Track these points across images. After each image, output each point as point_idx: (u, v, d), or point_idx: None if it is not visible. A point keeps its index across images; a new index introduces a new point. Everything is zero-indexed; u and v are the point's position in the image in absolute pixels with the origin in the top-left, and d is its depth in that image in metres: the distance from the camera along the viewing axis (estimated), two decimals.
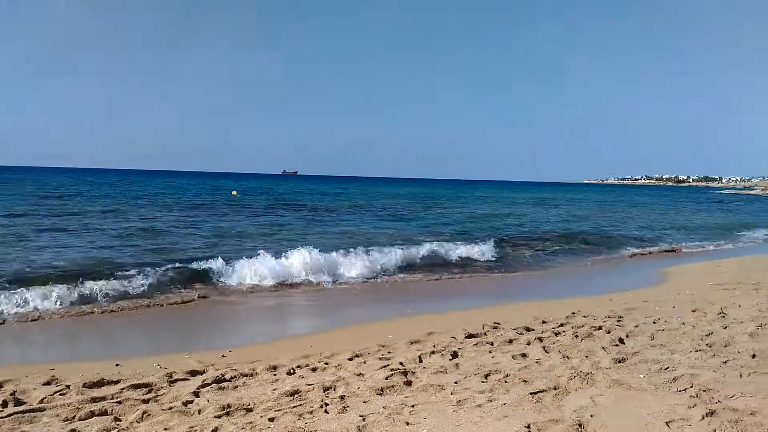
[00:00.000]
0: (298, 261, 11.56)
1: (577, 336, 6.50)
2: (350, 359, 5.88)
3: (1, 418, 4.26)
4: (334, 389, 4.84)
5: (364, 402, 4.47)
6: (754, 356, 5.31)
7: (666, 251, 18.26)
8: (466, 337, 6.75)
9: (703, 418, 3.73)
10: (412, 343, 6.60)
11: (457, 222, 26.01)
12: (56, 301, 8.56)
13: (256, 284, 10.66)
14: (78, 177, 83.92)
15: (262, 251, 11.81)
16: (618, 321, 7.39)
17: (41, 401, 4.67)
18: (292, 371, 5.53)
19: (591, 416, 3.92)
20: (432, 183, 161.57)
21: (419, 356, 5.86)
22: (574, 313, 8.15)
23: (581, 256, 16.54)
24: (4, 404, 4.60)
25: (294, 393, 4.74)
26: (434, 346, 6.34)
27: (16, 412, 4.37)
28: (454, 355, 5.90)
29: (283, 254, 11.83)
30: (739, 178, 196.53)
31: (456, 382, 4.90)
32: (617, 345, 6.02)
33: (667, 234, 23.27)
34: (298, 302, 9.84)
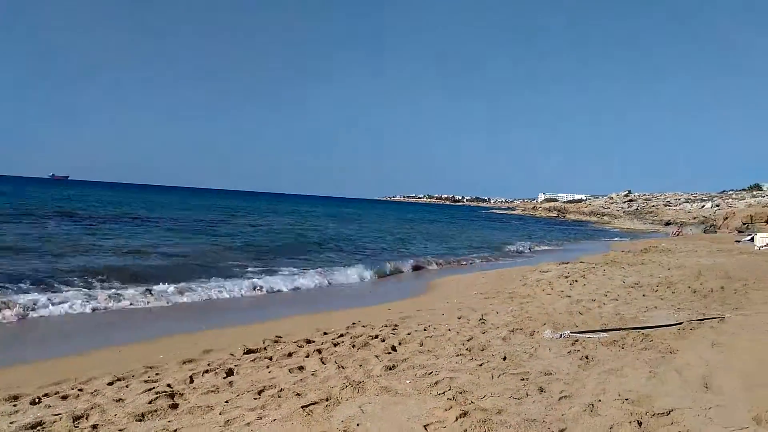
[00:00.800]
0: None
1: (354, 346, 6.67)
2: (110, 383, 5.32)
3: None
4: (87, 418, 4.33)
5: (120, 430, 4.06)
6: (504, 358, 5.89)
7: (450, 263, 19.81)
8: (244, 353, 6.53)
9: (456, 419, 4.01)
10: (185, 362, 6.21)
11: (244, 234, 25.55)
12: None
13: None
14: None
15: None
16: (393, 329, 7.75)
17: None
18: (37, 400, 4.83)
19: (357, 425, 4.00)
20: (226, 194, 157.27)
21: (191, 376, 5.51)
22: (354, 323, 8.38)
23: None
24: None
25: (36, 425, 4.14)
26: (209, 364, 6.02)
27: None
28: (230, 372, 5.66)
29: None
30: (504, 200, 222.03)
31: (227, 401, 4.69)
32: (390, 353, 6.29)
33: (454, 248, 25.34)
34: (53, 322, 8.72)
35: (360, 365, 5.74)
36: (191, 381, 5.38)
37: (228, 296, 11.34)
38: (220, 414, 4.35)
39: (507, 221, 65.73)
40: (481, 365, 5.59)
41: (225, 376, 5.53)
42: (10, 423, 4.26)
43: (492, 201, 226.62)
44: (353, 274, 15.10)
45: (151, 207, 46.54)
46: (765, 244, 21.47)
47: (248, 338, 7.29)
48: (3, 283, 10.22)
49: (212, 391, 5.01)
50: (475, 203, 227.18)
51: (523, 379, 5.05)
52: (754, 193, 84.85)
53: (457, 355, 6.03)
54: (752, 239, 25.35)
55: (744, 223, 46.73)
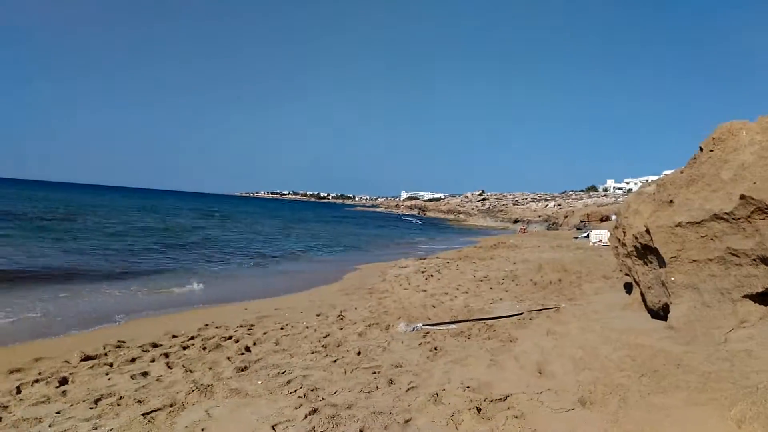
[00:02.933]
0: None
1: (205, 348, 6.42)
2: None
3: None
4: None
5: None
6: (359, 353, 5.98)
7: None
8: (81, 360, 6.03)
9: (305, 417, 4.00)
10: (11, 372, 5.62)
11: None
12: None
13: None
14: None
15: None
16: (249, 329, 7.58)
17: None
18: None
19: (202, 430, 3.85)
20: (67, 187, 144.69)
21: (18, 386, 5.00)
22: (207, 324, 8.07)
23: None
24: None
25: None
26: (40, 373, 5.50)
27: None
28: (63, 381, 5.21)
29: None
30: (368, 197, 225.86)
31: (58, 412, 4.32)
32: (243, 353, 6.13)
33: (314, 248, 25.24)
34: None
35: (210, 368, 5.54)
36: (18, 392, 4.89)
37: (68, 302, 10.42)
38: (49, 426, 3.99)
39: (394, 221, 66.21)
40: (335, 361, 5.62)
41: (58, 385, 5.08)
42: None
43: (357, 198, 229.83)
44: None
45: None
46: (598, 240, 23.67)
47: (87, 344, 6.76)
48: None
49: (42, 402, 4.59)
50: (341, 200, 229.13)
51: (375, 373, 5.15)
52: (591, 194, 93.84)
53: (313, 353, 6.02)
54: (588, 236, 27.90)
55: (582, 221, 51.40)
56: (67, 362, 5.98)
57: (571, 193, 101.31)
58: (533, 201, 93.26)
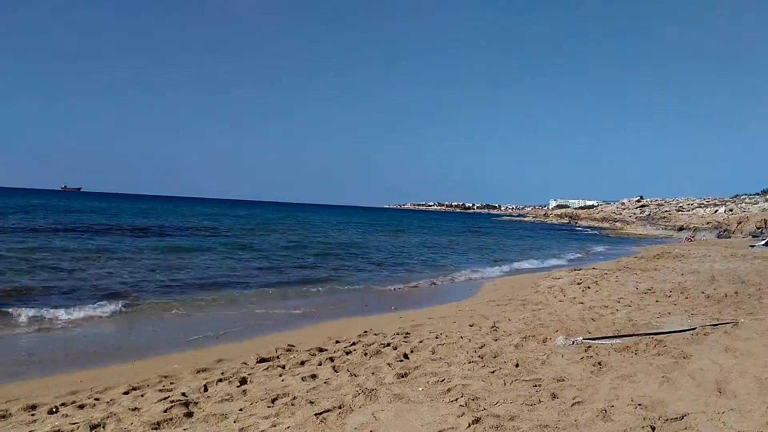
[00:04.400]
0: None
1: (366, 354, 6.69)
2: (126, 393, 5.39)
3: None
4: (103, 427, 4.39)
5: None
6: (517, 365, 5.89)
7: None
8: (257, 362, 6.59)
9: (469, 426, 4.03)
10: (198, 371, 6.27)
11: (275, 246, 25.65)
12: None
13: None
14: None
15: None
16: (405, 337, 7.77)
17: None
18: (54, 410, 4.91)
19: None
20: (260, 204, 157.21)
21: (205, 385, 5.57)
22: (366, 331, 8.41)
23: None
24: None
25: None
26: (222, 373, 6.08)
27: None
28: (243, 381, 5.71)
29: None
30: (514, 207, 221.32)
31: (241, 410, 4.73)
32: (402, 360, 6.30)
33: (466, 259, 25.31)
34: (63, 336, 8.79)
35: (372, 373, 5.76)
36: (205, 390, 5.43)
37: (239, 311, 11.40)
38: (234, 422, 4.39)
39: (543, 230, 64.22)
40: (493, 372, 5.59)
41: (239, 384, 5.58)
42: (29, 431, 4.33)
43: (502, 208, 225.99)
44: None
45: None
46: None
47: (261, 348, 7.35)
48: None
49: (226, 400, 5.06)
50: (486, 210, 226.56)
51: (536, 386, 5.05)
52: (767, 197, 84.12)
53: (469, 362, 6.04)
54: (766, 244, 25.09)
55: (758, 228, 46.35)
56: (245, 364, 6.54)
57: (744, 196, 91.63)
58: (700, 206, 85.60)
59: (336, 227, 48.60)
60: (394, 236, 39.99)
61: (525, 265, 22.88)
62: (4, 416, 4.75)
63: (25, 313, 9.18)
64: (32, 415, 4.82)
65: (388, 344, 7.25)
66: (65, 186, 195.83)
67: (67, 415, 4.76)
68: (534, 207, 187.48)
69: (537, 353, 6.43)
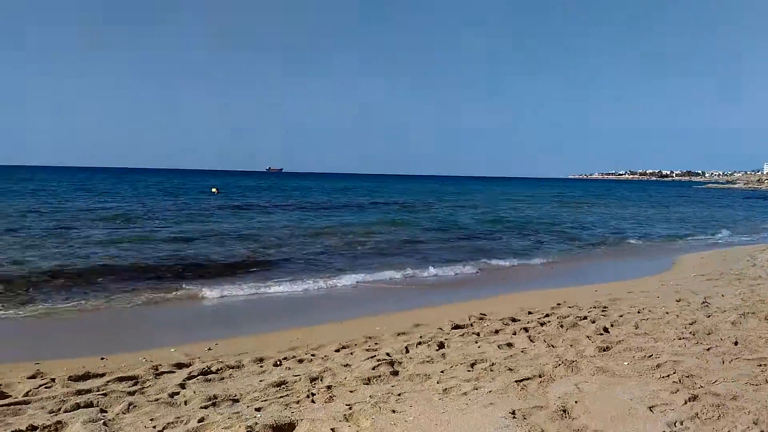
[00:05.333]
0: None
1: (562, 326, 6.56)
2: (337, 351, 5.90)
3: None
4: (321, 379, 4.85)
5: (351, 391, 4.48)
6: (736, 343, 5.38)
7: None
8: (452, 328, 6.78)
9: (685, 403, 3.78)
10: (399, 334, 6.63)
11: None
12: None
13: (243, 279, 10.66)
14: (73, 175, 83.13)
15: None
16: (603, 311, 7.46)
17: (26, 394, 4.63)
18: (278, 363, 5.53)
19: (575, 402, 3.96)
20: (422, 179, 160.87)
21: (406, 347, 5.88)
22: (559, 303, 8.22)
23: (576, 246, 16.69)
24: None
25: (280, 384, 4.74)
26: (421, 337, 6.37)
27: (1, 405, 4.33)
28: (441, 345, 5.93)
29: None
30: (720, 173, 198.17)
31: (442, 371, 4.93)
32: (602, 334, 6.07)
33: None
34: (284, 299, 9.78)
35: (571, 345, 5.64)
36: (407, 351, 5.74)
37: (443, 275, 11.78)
38: (437, 383, 4.59)
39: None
40: (708, 350, 5.16)
41: (437, 348, 5.81)
42: (260, 381, 4.93)
43: (707, 175, 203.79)
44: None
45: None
46: None
47: (454, 315, 7.55)
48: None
49: (427, 362, 5.30)
50: (687, 178, 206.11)
51: (761, 365, 4.57)
52: None
53: (680, 339, 5.63)
54: None
55: None
56: (441, 329, 6.78)
57: None
58: None
59: (529, 201, 47.21)
60: (590, 208, 38.00)
61: (736, 238, 20.51)
62: (238, 366, 5.45)
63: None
64: (261, 366, 5.48)
65: (585, 317, 7.01)
66: (269, 168, 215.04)
67: (289, 368, 5.34)
68: (745, 173, 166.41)
69: (759, 331, 5.80)
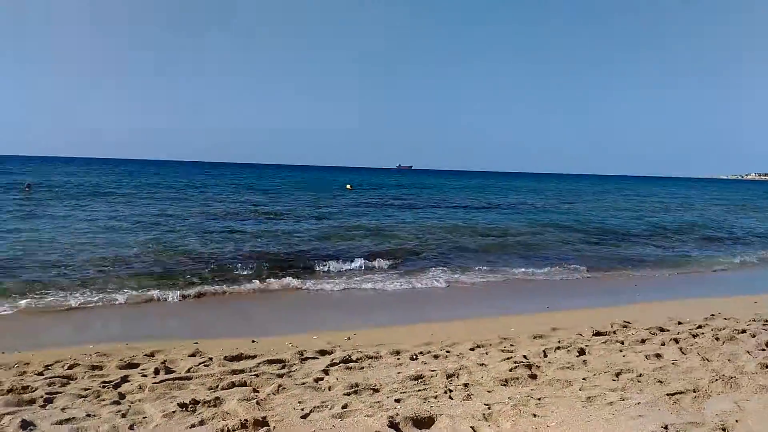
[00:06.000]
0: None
1: (717, 339, 6.05)
2: (472, 349, 5.88)
3: (155, 383, 4.70)
4: (457, 377, 4.87)
5: (489, 391, 4.45)
6: None
7: None
8: (593, 335, 6.52)
9: None
10: (535, 337, 6.48)
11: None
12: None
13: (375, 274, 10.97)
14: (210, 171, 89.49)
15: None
16: (765, 325, 6.79)
17: (188, 371, 5.11)
18: (414, 357, 5.63)
19: (736, 421, 3.65)
20: (562, 178, 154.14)
21: (543, 351, 5.73)
22: (713, 315, 7.61)
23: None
24: (156, 371, 5.08)
25: (418, 377, 4.82)
26: (559, 341, 6.18)
27: (167, 379, 4.81)
28: (581, 351, 5.71)
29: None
30: None
31: (584, 379, 4.75)
32: (764, 350, 5.54)
33: None
34: (420, 294, 9.92)
35: (728, 360, 5.20)
36: (545, 355, 5.59)
37: (567, 278, 11.38)
38: (579, 390, 4.43)
39: None
40: None
41: (577, 354, 5.60)
42: (398, 373, 5.05)
43: None
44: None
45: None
46: None
47: (594, 320, 7.24)
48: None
49: (567, 367, 5.12)
50: None
51: None
52: None
53: None
54: None
55: None
56: (580, 335, 6.53)
57: None
58: None
59: (685, 202, 43.57)
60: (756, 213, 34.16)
61: None
62: (376, 357, 5.62)
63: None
64: (398, 359, 5.60)
65: (744, 331, 6.43)
66: (400, 165, 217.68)
67: (425, 363, 5.41)
68: None
69: None
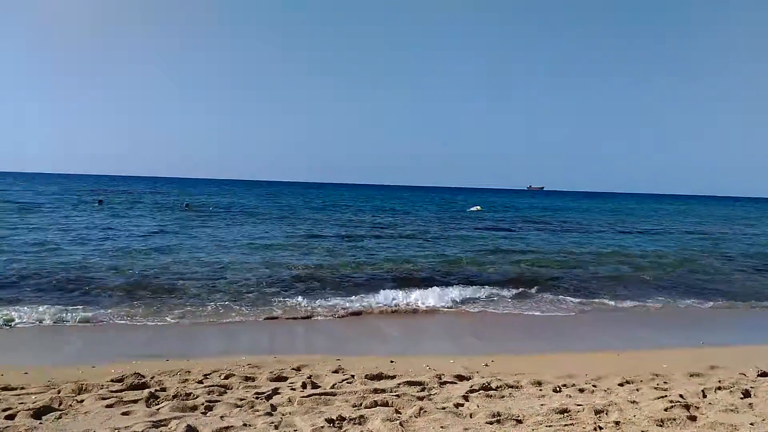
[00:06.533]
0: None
1: None
2: (621, 384, 5.56)
3: (303, 397, 4.92)
4: (606, 413, 4.61)
5: (643, 431, 4.17)
6: None
7: None
8: (758, 375, 5.91)
9: None
10: (691, 375, 5.99)
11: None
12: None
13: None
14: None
15: None
16: None
17: (332, 386, 5.29)
18: (558, 389, 5.42)
19: None
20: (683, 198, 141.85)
21: (702, 390, 5.28)
22: None
23: None
24: (304, 386, 5.32)
25: (563, 411, 4.63)
26: (719, 381, 5.67)
27: (314, 394, 5.01)
28: (746, 393, 5.19)
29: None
30: None
31: (752, 424, 4.31)
32: None
33: None
34: (555, 320, 9.58)
35: None
36: (704, 395, 5.15)
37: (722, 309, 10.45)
38: None
39: None
40: None
41: (742, 396, 5.10)
42: (541, 405, 4.88)
43: None
44: None
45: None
46: None
47: (758, 360, 6.57)
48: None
49: (731, 410, 4.68)
50: None
51: None
52: None
53: None
54: None
55: None
56: (744, 375, 5.95)
57: None
58: None
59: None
60: None
61: None
62: (517, 386, 5.47)
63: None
64: (540, 389, 5.42)
65: None
66: (530, 186, 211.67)
67: (570, 396, 5.19)
68: None
69: None
